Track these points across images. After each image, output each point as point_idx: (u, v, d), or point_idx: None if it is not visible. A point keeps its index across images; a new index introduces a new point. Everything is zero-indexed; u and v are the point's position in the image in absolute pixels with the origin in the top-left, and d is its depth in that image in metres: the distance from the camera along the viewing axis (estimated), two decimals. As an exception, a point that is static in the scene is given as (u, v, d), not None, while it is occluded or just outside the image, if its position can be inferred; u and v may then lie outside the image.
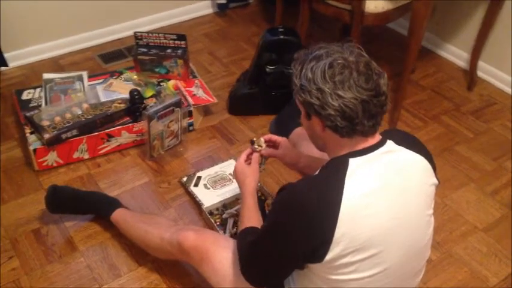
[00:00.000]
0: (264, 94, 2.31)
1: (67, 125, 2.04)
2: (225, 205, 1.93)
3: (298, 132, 2.14)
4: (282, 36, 2.18)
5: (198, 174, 2.05)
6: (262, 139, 1.66)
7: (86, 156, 2.13)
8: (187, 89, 2.35)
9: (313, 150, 1.87)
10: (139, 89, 2.23)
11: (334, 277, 1.21)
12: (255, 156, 1.62)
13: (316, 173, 1.26)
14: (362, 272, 1.20)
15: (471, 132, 2.34)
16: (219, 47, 2.87)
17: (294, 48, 2.16)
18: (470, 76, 2.58)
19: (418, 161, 1.27)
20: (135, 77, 2.38)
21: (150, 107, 2.16)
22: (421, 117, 2.40)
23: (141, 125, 2.14)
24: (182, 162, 2.16)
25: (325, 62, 1.17)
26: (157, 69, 2.38)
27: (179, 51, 2.35)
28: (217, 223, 1.86)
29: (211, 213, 1.90)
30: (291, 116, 2.23)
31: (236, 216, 1.88)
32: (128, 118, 2.17)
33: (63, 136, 2.02)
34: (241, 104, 2.37)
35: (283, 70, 2.24)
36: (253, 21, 3.11)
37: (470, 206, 2.01)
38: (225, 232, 1.83)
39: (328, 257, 1.16)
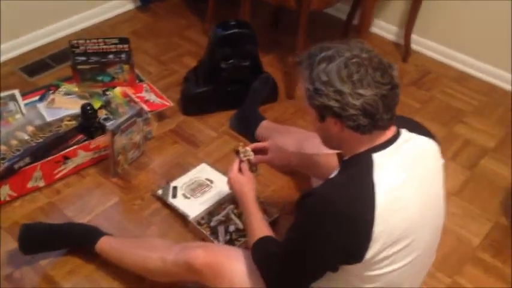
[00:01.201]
0: (220, 91, 2.23)
1: (17, 153, 1.82)
2: (211, 212, 1.85)
3: (265, 125, 2.12)
4: (236, 30, 2.11)
5: (172, 184, 1.94)
6: (248, 148, 1.60)
7: (42, 184, 1.92)
8: (138, 95, 2.20)
9: (287, 142, 1.88)
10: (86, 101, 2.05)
11: (371, 273, 1.21)
12: (244, 165, 1.57)
13: (335, 173, 1.24)
14: (397, 262, 1.21)
15: (417, 102, 2.46)
16: (151, 45, 2.71)
17: (248, 41, 2.13)
18: (405, 48, 2.70)
19: (430, 145, 1.30)
20: (76, 89, 2.18)
21: (105, 119, 2.00)
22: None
23: (99, 141, 1.97)
24: (150, 174, 2.03)
25: (338, 62, 1.13)
26: (99, 78, 2.20)
27: (123, 56, 2.18)
28: (208, 232, 1.78)
29: (198, 223, 1.81)
30: (251, 110, 2.19)
31: (225, 222, 1.82)
32: (81, 136, 1.98)
33: (16, 166, 1.80)
34: (196, 103, 2.27)
35: (239, 64, 2.17)
36: (180, 14, 2.98)
37: (436, 174, 2.12)
38: (218, 241, 1.75)
39: (368, 255, 1.16)
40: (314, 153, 1.68)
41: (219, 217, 1.83)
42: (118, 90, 2.20)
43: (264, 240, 1.38)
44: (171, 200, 1.88)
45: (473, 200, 2.01)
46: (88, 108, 1.95)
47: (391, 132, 1.21)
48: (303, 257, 1.22)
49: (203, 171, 2.01)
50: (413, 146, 1.24)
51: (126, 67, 2.18)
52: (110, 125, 1.86)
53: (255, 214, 1.46)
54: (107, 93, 2.19)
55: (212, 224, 1.81)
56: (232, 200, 1.89)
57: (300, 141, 1.89)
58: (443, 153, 2.09)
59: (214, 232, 1.79)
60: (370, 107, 1.13)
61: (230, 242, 1.75)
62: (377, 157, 1.18)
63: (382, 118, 1.15)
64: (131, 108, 2.09)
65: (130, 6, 2.97)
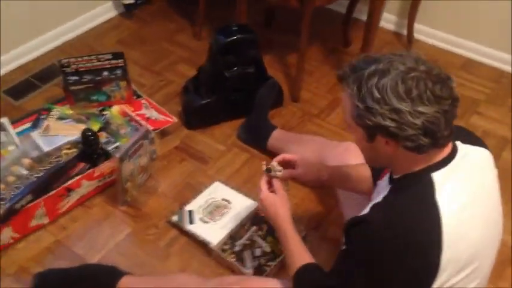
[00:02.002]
0: (225, 100, 2.10)
1: (17, 191, 1.66)
2: (232, 236, 1.73)
3: (277, 136, 2.00)
4: (239, 36, 1.96)
5: (187, 208, 1.81)
6: (275, 163, 1.48)
7: (46, 221, 1.76)
8: (138, 112, 2.05)
9: (305, 154, 1.76)
10: (85, 125, 1.89)
11: None
12: (277, 183, 1.45)
13: (385, 193, 1.14)
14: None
15: (428, 95, 2.37)
16: (141, 54, 2.55)
17: (251, 46, 2.00)
18: (408, 38, 2.60)
19: (486, 155, 1.21)
20: (70, 111, 2.01)
21: (106, 143, 1.85)
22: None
23: (103, 168, 1.82)
24: (160, 198, 1.89)
25: (393, 76, 1.02)
26: (94, 97, 2.04)
27: (118, 72, 2.02)
28: (233, 259, 1.66)
29: (222, 250, 1.69)
30: (261, 119, 2.07)
31: (250, 246, 1.70)
32: (83, 164, 1.83)
33: (17, 206, 1.64)
34: (200, 116, 2.12)
35: (244, 71, 2.04)
36: (167, 18, 2.81)
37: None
38: (246, 267, 1.64)
39: (435, 285, 1.07)
40: (343, 164, 1.57)
41: (243, 241, 1.71)
42: (116, 109, 2.05)
43: (308, 269, 1.28)
44: (189, 227, 1.75)
45: (501, 197, 1.93)
46: (89, 134, 1.79)
47: (448, 148, 1.12)
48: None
49: (217, 190, 1.88)
50: (471, 161, 1.15)
51: (122, 84, 2.03)
52: (116, 152, 1.71)
53: (294, 238, 1.36)
54: (104, 113, 2.03)
55: (236, 249, 1.69)
56: (253, 220, 1.77)
57: (319, 152, 1.79)
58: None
59: (240, 258, 1.67)
60: (432, 125, 1.02)
61: (259, 268, 1.63)
62: (437, 177, 1.08)
63: (442, 136, 1.05)
64: (135, 129, 1.95)
65: (113, 13, 2.79)
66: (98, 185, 1.86)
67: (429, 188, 1.07)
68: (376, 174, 1.47)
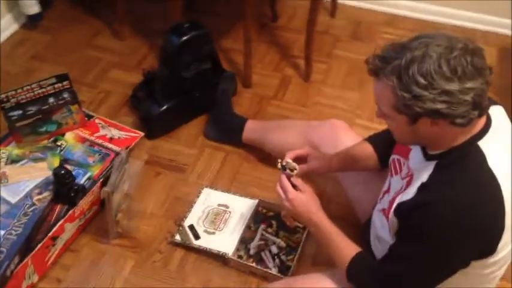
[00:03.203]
0: (185, 102, 1.99)
1: (2, 256, 1.45)
2: (243, 240, 1.68)
3: (252, 127, 1.95)
4: (192, 33, 1.85)
5: (186, 224, 1.71)
6: (289, 160, 1.44)
7: (36, 279, 1.57)
8: (96, 135, 1.87)
9: (290, 141, 1.76)
10: (45, 163, 1.68)
11: (492, 260, 1.18)
12: (298, 180, 1.41)
13: (430, 172, 1.15)
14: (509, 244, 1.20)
15: (367, 55, 2.43)
16: (65, 67, 2.26)
17: (205, 41, 1.91)
18: (332, 4, 2.63)
19: (503, 112, 1.25)
20: (20, 150, 1.77)
21: (78, 180, 1.67)
22: (322, 61, 2.39)
23: (83, 204, 1.65)
24: (152, 220, 1.76)
25: (434, 59, 1.02)
26: (43, 129, 1.82)
27: (66, 96, 1.82)
28: (253, 263, 1.62)
29: (239, 257, 1.64)
30: (228, 113, 2.00)
31: (265, 246, 1.67)
32: (59, 206, 1.64)
33: (8, 273, 1.44)
34: (162, 123, 1.99)
35: (201, 68, 1.94)
36: (76, 21, 2.56)
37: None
38: (269, 268, 1.61)
39: (499, 245, 1.13)
40: (345, 148, 1.57)
41: (256, 242, 1.67)
42: (70, 136, 1.85)
43: (361, 259, 1.28)
44: (196, 243, 1.66)
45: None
46: (63, 172, 1.60)
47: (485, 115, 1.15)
48: (436, 269, 1.15)
49: (209, 197, 1.80)
50: (500, 121, 1.19)
51: (74, 108, 1.82)
52: (106, 187, 1.56)
53: (334, 232, 1.34)
54: (58, 143, 1.83)
55: (252, 252, 1.65)
56: (255, 218, 1.74)
57: (303, 135, 1.77)
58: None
59: (259, 260, 1.63)
60: (479, 98, 1.05)
61: (282, 265, 1.62)
62: (483, 144, 1.12)
63: (486, 105, 1.09)
64: (104, 155, 1.78)
65: (14, 27, 2.47)
66: (79, 224, 1.69)
67: (480, 157, 1.10)
68: (384, 151, 1.50)
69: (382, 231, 1.34)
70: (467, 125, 1.09)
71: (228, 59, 2.36)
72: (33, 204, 1.60)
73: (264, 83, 2.28)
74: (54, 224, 1.59)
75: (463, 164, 1.12)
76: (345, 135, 1.70)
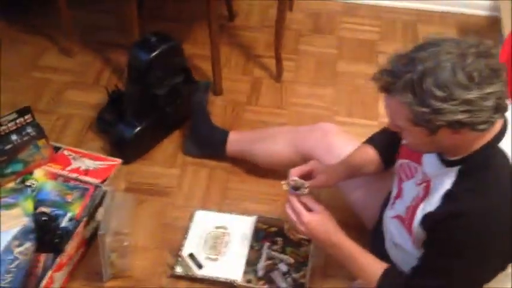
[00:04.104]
0: (159, 121, 1.85)
1: (-8, 326, 1.28)
2: (248, 262, 1.58)
3: (235, 138, 1.87)
4: (162, 47, 1.70)
5: (185, 253, 1.59)
6: (296, 178, 1.36)
7: None
8: (69, 168, 1.69)
9: (279, 150, 1.69)
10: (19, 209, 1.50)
11: None
12: (309, 199, 1.33)
13: (454, 180, 1.11)
14: None
15: (332, 49, 2.38)
16: (13, 96, 2.06)
17: (176, 54, 1.79)
18: (289, -3, 2.56)
19: None
20: (-15, 197, 1.58)
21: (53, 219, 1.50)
22: (289, 58, 2.30)
23: (69, 250, 1.49)
24: (145, 254, 1.62)
25: (448, 68, 0.97)
26: (8, 171, 1.62)
27: (30, 131, 1.63)
28: (265, 286, 1.54)
29: (248, 281, 1.54)
30: (208, 126, 1.89)
31: (273, 265, 1.58)
32: (44, 255, 1.46)
33: None
34: (136, 146, 1.84)
35: (174, 83, 1.80)
36: (18, 41, 2.32)
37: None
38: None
39: None
40: (348, 155, 1.51)
41: (263, 263, 1.58)
42: (39, 174, 1.66)
43: (390, 276, 1.24)
44: (200, 273, 1.55)
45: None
46: (45, 218, 1.44)
47: None
48: (471, 280, 1.14)
49: (204, 220, 1.69)
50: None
51: (41, 142, 1.64)
52: (101, 229, 1.40)
53: (357, 250, 1.28)
54: (28, 183, 1.64)
55: (260, 274, 1.56)
56: (256, 237, 1.64)
57: (294, 143, 1.70)
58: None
59: (269, 281, 1.55)
60: (500, 100, 1.02)
61: (295, 283, 1.54)
62: (504, 145, 1.09)
63: (506, 105, 1.06)
64: (83, 190, 1.62)
65: None
66: (68, 271, 1.53)
67: (504, 160, 1.08)
68: (387, 153, 1.46)
69: (400, 239, 1.30)
70: (488, 129, 1.06)
71: (192, 66, 2.22)
72: (16, 258, 1.43)
73: (235, 88, 2.18)
74: (43, 277, 1.42)
75: (489, 169, 1.09)
76: (338, 139, 1.65)
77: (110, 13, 2.46)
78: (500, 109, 1.02)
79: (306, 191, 1.33)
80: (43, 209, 1.57)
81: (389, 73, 1.03)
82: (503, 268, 1.16)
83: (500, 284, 1.18)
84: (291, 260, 1.59)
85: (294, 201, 1.31)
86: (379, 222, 1.47)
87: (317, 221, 1.29)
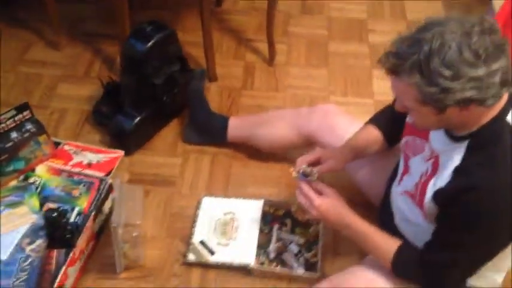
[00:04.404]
0: (158, 110, 1.83)
1: (12, 325, 1.27)
2: (260, 245, 1.60)
3: (236, 124, 1.87)
4: (158, 36, 1.68)
5: (196, 240, 1.60)
6: (304, 166, 1.37)
7: (48, 337, 1.40)
8: (72, 163, 1.67)
9: (282, 134, 1.71)
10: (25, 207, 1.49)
11: None
12: (319, 184, 1.34)
13: (463, 155, 1.13)
14: None
15: (323, 30, 2.38)
16: (4, 92, 2.03)
17: (171, 41, 1.78)
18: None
19: None
20: (-12, 197, 1.55)
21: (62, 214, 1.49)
22: (280, 41, 2.29)
23: (80, 244, 1.49)
24: (155, 243, 1.63)
25: (454, 47, 0.98)
26: (9, 169, 1.59)
27: (30, 127, 1.60)
28: (278, 268, 1.56)
29: (262, 264, 1.56)
30: (207, 113, 1.89)
31: (284, 247, 1.60)
32: (56, 251, 1.45)
33: None
34: (136, 137, 1.83)
35: (171, 71, 1.79)
36: (3, 36, 2.25)
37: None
38: (295, 269, 1.55)
39: None
40: (352, 136, 1.51)
41: (274, 245, 1.60)
42: (42, 170, 1.64)
43: (405, 252, 1.26)
44: (214, 259, 1.56)
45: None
46: (54, 214, 1.43)
47: None
48: (485, 252, 1.18)
49: (211, 206, 1.69)
50: None
51: (42, 138, 1.61)
52: (114, 222, 1.40)
53: (370, 230, 1.30)
54: (31, 180, 1.61)
55: (272, 256, 1.58)
56: (264, 220, 1.66)
57: (296, 126, 1.71)
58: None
59: (282, 263, 1.57)
60: (506, 75, 1.03)
61: (307, 263, 1.56)
62: (510, 118, 1.11)
63: (511, 78, 1.07)
64: (89, 184, 1.60)
65: None
66: (80, 265, 1.52)
67: (511, 133, 1.09)
68: (390, 131, 1.48)
69: (411, 214, 1.33)
70: (496, 103, 1.08)
71: (188, 53, 2.20)
72: (28, 256, 1.41)
73: (229, 73, 2.17)
74: (57, 273, 1.41)
75: (497, 142, 1.10)
76: (339, 119, 1.66)
77: (95, 4, 2.41)
78: (506, 83, 1.03)
79: (315, 177, 1.35)
80: (50, 205, 1.56)
81: (395, 55, 1.03)
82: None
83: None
84: (301, 241, 1.61)
85: (305, 187, 1.33)
86: (386, 199, 1.50)
87: (329, 204, 1.30)
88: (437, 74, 0.98)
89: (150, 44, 1.67)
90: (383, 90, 2.12)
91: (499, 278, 1.37)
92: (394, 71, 1.05)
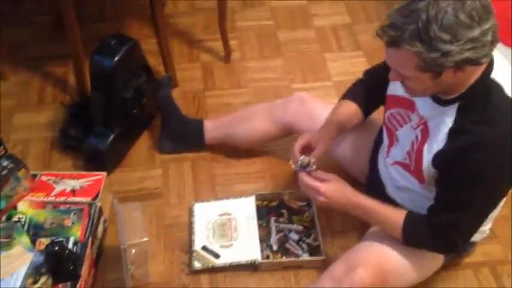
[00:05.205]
0: (129, 123, 1.80)
1: None
2: (260, 239, 1.62)
3: (213, 126, 1.88)
4: (123, 49, 1.64)
5: (198, 248, 1.60)
6: (303, 157, 1.40)
7: None
8: (54, 193, 1.61)
9: (259, 127, 1.74)
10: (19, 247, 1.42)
11: None
12: (319, 172, 1.38)
13: (454, 117, 1.20)
14: None
15: (270, 20, 2.42)
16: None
17: (137, 53, 1.75)
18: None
19: None
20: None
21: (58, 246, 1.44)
22: (231, 37, 2.28)
23: (84, 275, 1.44)
24: (157, 259, 1.60)
25: (449, 11, 1.04)
26: (-9, 210, 1.51)
27: (7, 163, 1.52)
28: (284, 258, 1.59)
29: (267, 258, 1.59)
30: (180, 120, 1.87)
31: (284, 236, 1.64)
32: (61, 286, 1.40)
33: None
34: (113, 155, 1.79)
35: (139, 82, 1.76)
36: None
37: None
38: (300, 256, 1.59)
39: None
40: (332, 114, 1.56)
41: (275, 237, 1.63)
42: (24, 207, 1.56)
43: (413, 220, 1.32)
44: (220, 262, 1.57)
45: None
46: (56, 249, 1.36)
47: None
48: (491, 203, 1.26)
49: (204, 211, 1.69)
50: None
51: (21, 173, 1.54)
52: (122, 244, 1.37)
53: (377, 205, 1.36)
54: (15, 219, 1.54)
55: (275, 248, 1.62)
56: (259, 214, 1.68)
57: (272, 119, 1.75)
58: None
59: (286, 253, 1.61)
60: (495, 33, 1.10)
61: (310, 247, 1.61)
62: (496, 75, 1.18)
63: (498, 37, 1.13)
64: (79, 211, 1.55)
65: None
66: (87, 296, 1.48)
67: (499, 88, 1.18)
68: (366, 103, 1.54)
69: (405, 183, 1.40)
70: (487, 61, 1.16)
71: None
72: (35, 295, 1.36)
73: (188, 77, 2.16)
74: (66, 312, 1.37)
75: (488, 99, 1.18)
76: (315, 105, 1.71)
77: (34, 26, 2.30)
78: (495, 41, 1.11)
79: (314, 167, 1.39)
80: (42, 240, 1.50)
81: (393, 27, 1.08)
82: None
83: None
84: (300, 228, 1.66)
85: (307, 177, 1.37)
86: (373, 171, 1.57)
87: (334, 189, 1.35)
88: (438, 39, 1.04)
89: (117, 58, 1.63)
90: (338, 71, 2.21)
91: (488, 228, 1.50)
92: (393, 43, 1.09)
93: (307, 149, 1.46)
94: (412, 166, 1.35)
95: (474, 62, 1.10)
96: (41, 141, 1.91)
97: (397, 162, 1.43)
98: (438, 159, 1.24)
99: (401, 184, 1.43)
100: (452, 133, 1.21)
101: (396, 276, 1.37)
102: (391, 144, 1.46)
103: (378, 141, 1.57)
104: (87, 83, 1.92)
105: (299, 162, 1.39)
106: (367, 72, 1.57)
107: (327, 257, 1.58)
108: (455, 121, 1.21)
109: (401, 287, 1.39)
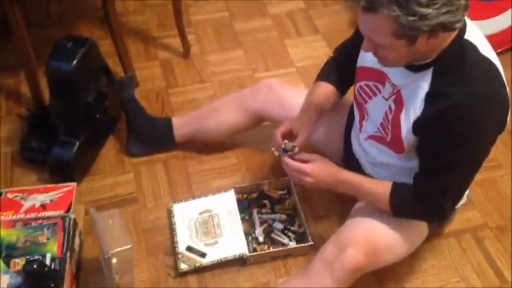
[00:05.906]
0: (93, 129, 1.71)
1: None
2: (245, 233, 1.59)
3: (182, 123, 1.84)
4: (81, 51, 1.56)
5: (182, 249, 1.54)
6: (286, 141, 1.39)
7: None
8: (23, 209, 1.52)
9: (231, 118, 1.72)
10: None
11: None
12: (302, 154, 1.37)
13: (430, 81, 1.19)
14: None
15: (225, 11, 2.38)
16: None
17: (95, 55, 1.68)
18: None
19: None
20: None
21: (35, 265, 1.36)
22: (188, 32, 2.23)
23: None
24: (141, 266, 1.54)
25: None
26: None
27: (-32, 184, 1.41)
28: (271, 248, 1.56)
29: (254, 250, 1.56)
30: (147, 121, 1.81)
31: (269, 227, 1.61)
32: (43, 306, 1.32)
33: None
34: (80, 164, 1.70)
35: (100, 85, 1.68)
36: None
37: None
38: (287, 245, 1.57)
39: None
40: (307, 97, 1.54)
41: (259, 229, 1.60)
42: (-7, 227, 1.47)
43: (398, 189, 1.31)
44: (208, 260, 1.52)
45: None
46: (35, 267, 1.28)
47: None
48: (478, 162, 1.26)
49: (184, 211, 1.64)
50: None
51: (-15, 193, 1.44)
52: (106, 253, 1.30)
53: (362, 179, 1.36)
54: (-16, 242, 1.44)
55: (261, 239, 1.59)
56: (241, 206, 1.65)
57: (243, 108, 1.71)
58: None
59: (274, 243, 1.58)
60: None
61: (297, 235, 1.59)
62: (469, 37, 1.18)
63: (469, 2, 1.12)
64: (52, 225, 1.46)
65: None
66: (72, 313, 1.41)
67: (473, 48, 1.17)
68: (340, 81, 1.52)
69: (382, 157, 1.40)
70: (460, 26, 1.16)
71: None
72: (18, 322, 1.27)
73: (148, 76, 2.09)
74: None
75: (463, 60, 1.17)
76: (284, 90, 1.69)
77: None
78: (467, 6, 1.11)
79: (297, 149, 1.37)
80: (16, 260, 1.41)
81: None
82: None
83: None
84: (283, 216, 1.64)
85: (290, 161, 1.35)
86: (348, 150, 1.57)
87: (319, 168, 1.34)
88: (414, 2, 1.03)
89: (75, 61, 1.54)
90: (300, 56, 2.20)
91: (466, 193, 1.51)
92: (370, 8, 1.07)
93: (288, 136, 1.44)
94: (388, 137, 1.34)
95: (448, 27, 1.10)
96: (1, 157, 1.80)
97: (370, 137, 1.42)
98: (417, 125, 1.23)
99: (378, 160, 1.42)
100: (429, 97, 1.20)
101: (386, 251, 1.36)
102: (362, 118, 1.45)
103: (350, 119, 1.57)
104: (42, 92, 1.83)
105: (282, 146, 1.37)
106: (337, 49, 1.55)
107: (314, 242, 1.56)
108: (432, 85, 1.20)
109: (392, 261, 1.40)
